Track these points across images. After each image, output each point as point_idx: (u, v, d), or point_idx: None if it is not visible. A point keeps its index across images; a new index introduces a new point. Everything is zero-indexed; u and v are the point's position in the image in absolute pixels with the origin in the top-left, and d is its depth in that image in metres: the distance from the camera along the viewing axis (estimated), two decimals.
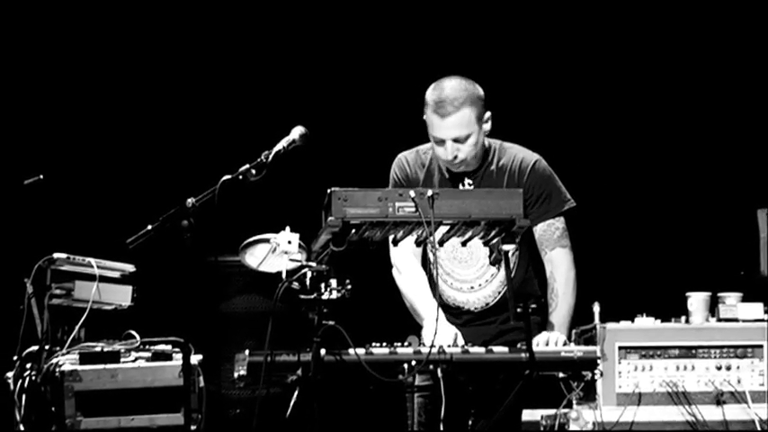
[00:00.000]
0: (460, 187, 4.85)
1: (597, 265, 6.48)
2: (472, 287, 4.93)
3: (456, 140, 4.75)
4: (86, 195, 6.93)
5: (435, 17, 7.18)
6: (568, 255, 4.89)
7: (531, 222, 4.74)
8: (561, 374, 4.43)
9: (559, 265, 4.86)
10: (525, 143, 5.03)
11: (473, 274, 4.92)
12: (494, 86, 4.97)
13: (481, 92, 4.81)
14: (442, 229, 4.27)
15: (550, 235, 4.88)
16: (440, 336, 4.33)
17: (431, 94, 4.79)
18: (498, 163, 4.89)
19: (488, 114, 4.83)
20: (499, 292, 4.91)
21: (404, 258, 4.89)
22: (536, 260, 4.95)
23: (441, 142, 4.77)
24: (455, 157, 4.77)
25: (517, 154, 4.92)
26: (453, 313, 4.91)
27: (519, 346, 4.32)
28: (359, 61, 7.17)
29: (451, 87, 4.77)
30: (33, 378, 5.01)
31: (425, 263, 4.93)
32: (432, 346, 4.20)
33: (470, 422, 4.62)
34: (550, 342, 4.56)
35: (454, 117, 4.73)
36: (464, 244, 4.38)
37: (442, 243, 4.36)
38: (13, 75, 6.98)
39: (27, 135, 6.94)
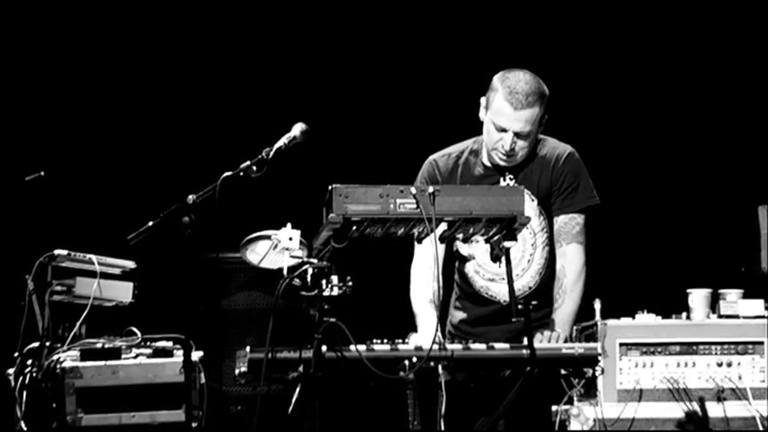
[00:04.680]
0: (502, 182, 4.83)
1: (598, 262, 6.46)
2: (503, 278, 4.88)
3: (517, 135, 4.72)
4: (87, 192, 6.92)
5: (436, 14, 7.17)
6: (582, 252, 4.88)
7: (552, 212, 4.79)
8: (562, 371, 4.43)
9: (572, 261, 4.85)
10: None
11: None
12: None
13: (548, 92, 4.79)
14: (442, 226, 4.26)
15: (570, 229, 4.87)
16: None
17: (504, 81, 4.74)
18: (537, 157, 4.87)
19: (546, 117, 4.81)
20: (530, 287, 4.90)
21: (418, 269, 4.88)
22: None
23: (502, 131, 4.73)
24: (511, 150, 4.73)
25: (555, 146, 4.90)
26: (484, 304, 4.93)
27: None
28: (359, 58, 7.16)
29: (527, 81, 4.73)
30: (34, 375, 5.01)
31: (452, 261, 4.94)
32: (433, 342, 4.19)
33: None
34: (551, 341, 4.57)
35: (526, 111, 4.71)
36: (465, 241, 4.37)
37: (443, 240, 4.35)
38: (15, 72, 6.97)
39: (28, 132, 6.93)
